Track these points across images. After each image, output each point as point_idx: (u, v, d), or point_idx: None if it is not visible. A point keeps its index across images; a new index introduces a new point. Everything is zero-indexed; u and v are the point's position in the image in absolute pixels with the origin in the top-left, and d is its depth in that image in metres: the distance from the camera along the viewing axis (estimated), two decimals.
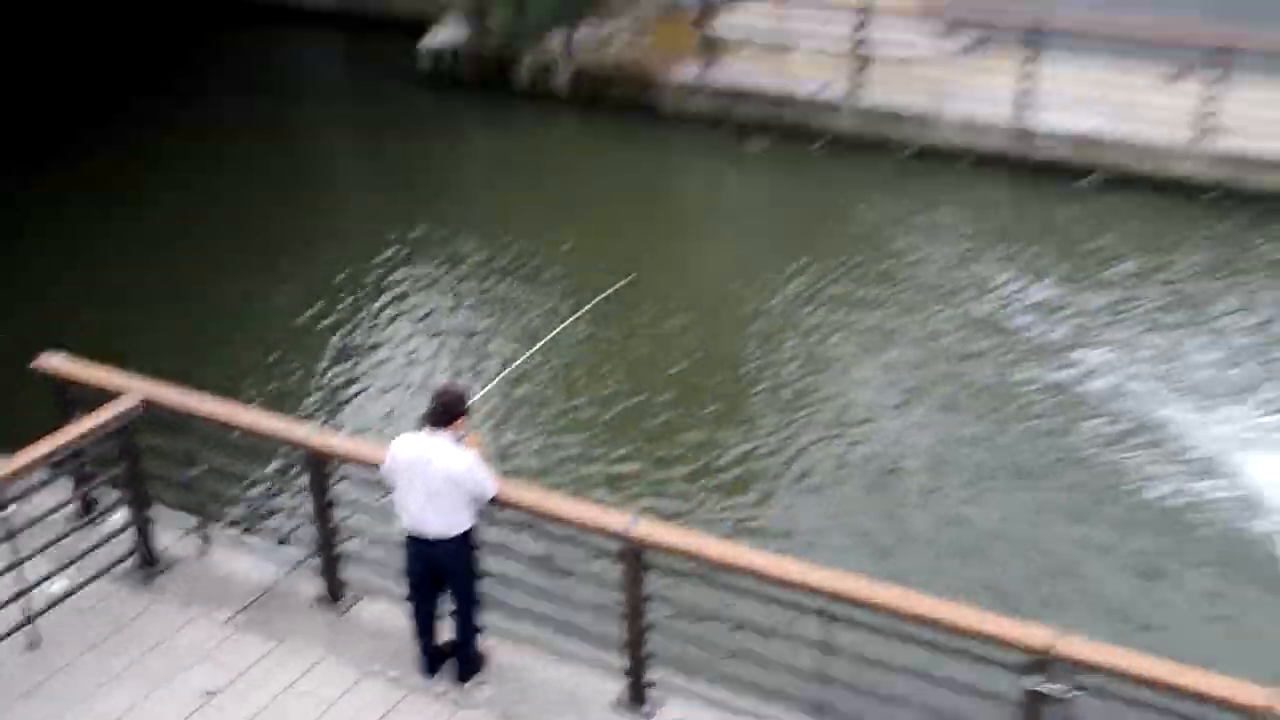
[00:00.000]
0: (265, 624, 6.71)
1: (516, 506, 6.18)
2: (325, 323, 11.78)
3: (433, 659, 6.42)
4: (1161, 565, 8.55)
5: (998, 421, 10.19)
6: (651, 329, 11.49)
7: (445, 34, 17.87)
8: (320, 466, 6.62)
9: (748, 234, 14.18)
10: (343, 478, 6.77)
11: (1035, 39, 14.50)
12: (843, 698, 5.92)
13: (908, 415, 10.25)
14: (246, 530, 8.26)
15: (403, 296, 12.33)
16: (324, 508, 6.69)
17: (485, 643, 6.46)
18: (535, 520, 6.35)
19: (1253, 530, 8.86)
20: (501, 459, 9.19)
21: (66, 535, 6.93)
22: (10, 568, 6.34)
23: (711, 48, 16.39)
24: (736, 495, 9.30)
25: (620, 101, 16.54)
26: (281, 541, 8.16)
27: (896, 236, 13.36)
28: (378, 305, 12.13)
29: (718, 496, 9.27)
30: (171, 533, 7.29)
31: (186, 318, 11.74)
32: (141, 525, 7.02)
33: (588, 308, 8.76)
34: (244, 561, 7.25)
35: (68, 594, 6.72)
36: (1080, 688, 5.15)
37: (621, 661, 6.19)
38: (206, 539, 7.28)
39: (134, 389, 6.81)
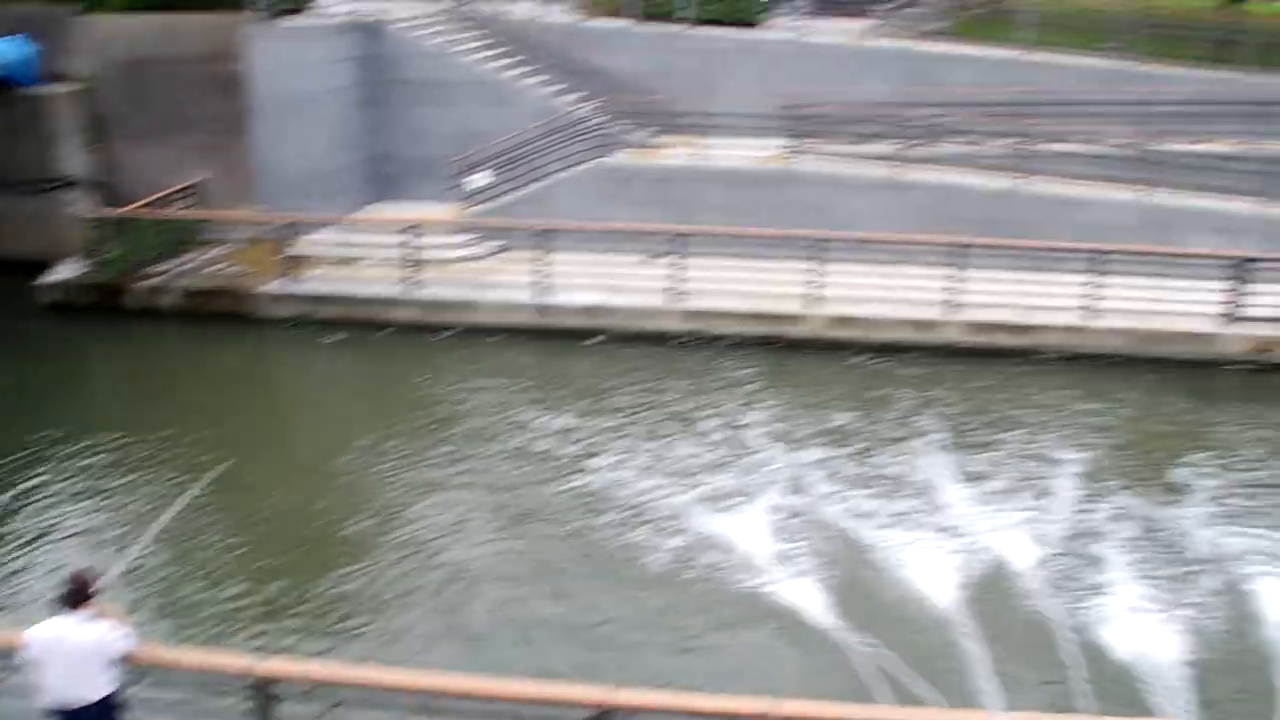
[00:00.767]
0: None
1: (150, 662, 7.01)
2: None
3: None
4: (667, 614, 11.49)
5: (536, 528, 13.12)
6: (255, 497, 13.56)
7: (64, 269, 20.10)
8: None
9: (328, 409, 17.11)
10: None
11: (545, 239, 18.99)
12: None
13: (467, 536, 12.93)
14: None
15: (26, 495, 13.72)
16: None
17: None
18: (168, 671, 7.14)
19: (729, 562, 12.33)
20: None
21: None
22: None
23: (294, 264, 19.63)
24: (337, 620, 11.30)
25: (220, 312, 19.28)
26: None
27: (449, 397, 16.73)
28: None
29: (323, 627, 11.12)
30: None
31: None
32: None
33: (196, 491, 10.78)
34: None
35: None
36: None
37: None
38: None
39: None
